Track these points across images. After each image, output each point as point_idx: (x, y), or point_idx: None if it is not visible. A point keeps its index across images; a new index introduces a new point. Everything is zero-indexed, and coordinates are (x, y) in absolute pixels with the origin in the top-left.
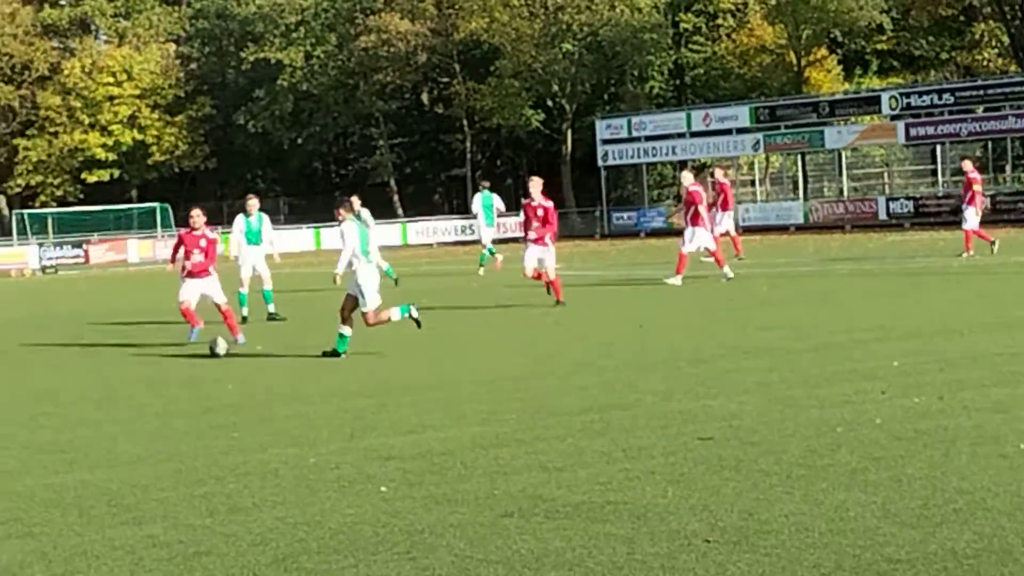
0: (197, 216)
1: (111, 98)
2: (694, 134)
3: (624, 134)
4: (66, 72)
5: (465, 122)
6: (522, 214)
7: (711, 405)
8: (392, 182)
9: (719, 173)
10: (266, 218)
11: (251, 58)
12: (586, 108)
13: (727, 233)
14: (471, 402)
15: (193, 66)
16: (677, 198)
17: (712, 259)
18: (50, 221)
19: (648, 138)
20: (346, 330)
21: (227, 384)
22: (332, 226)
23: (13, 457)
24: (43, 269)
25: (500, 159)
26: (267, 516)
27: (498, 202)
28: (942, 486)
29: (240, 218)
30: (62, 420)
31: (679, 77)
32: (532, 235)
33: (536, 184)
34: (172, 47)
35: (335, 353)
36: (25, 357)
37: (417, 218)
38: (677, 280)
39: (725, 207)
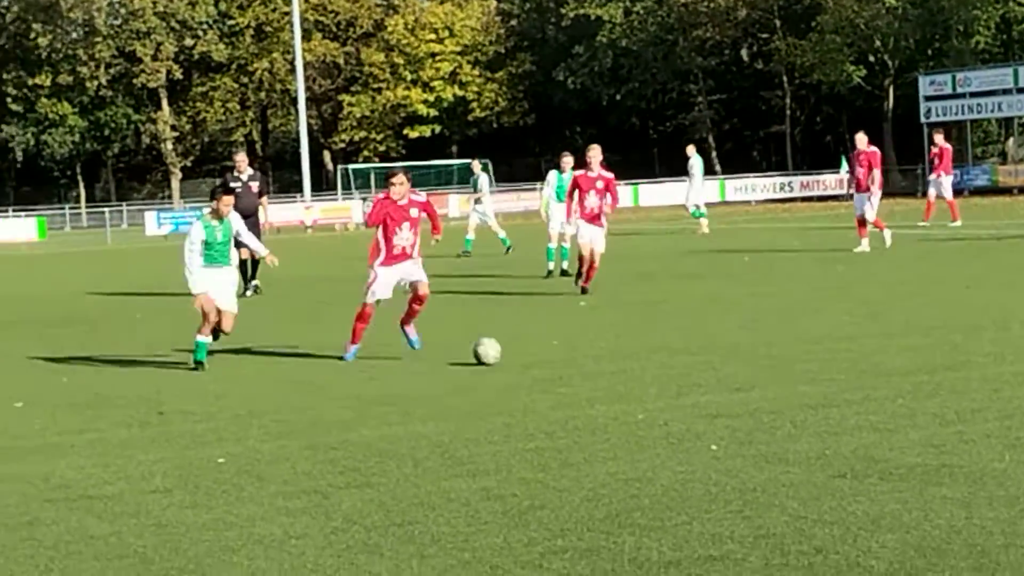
0: (594, 152)
1: (433, 55)
2: (1021, 90)
3: (948, 90)
4: (389, 29)
5: (784, 78)
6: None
7: (1004, 370)
8: (710, 139)
9: (939, 138)
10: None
11: (571, 14)
12: (909, 64)
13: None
14: (799, 361)
15: (513, 22)
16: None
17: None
18: (372, 176)
19: (973, 94)
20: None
21: (552, 340)
22: (653, 182)
23: (349, 408)
24: (366, 224)
25: (819, 116)
26: (598, 471)
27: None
28: None
29: (553, 173)
30: (393, 372)
31: (1006, 32)
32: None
33: (596, 153)
34: (493, 3)
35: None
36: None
37: (735, 175)
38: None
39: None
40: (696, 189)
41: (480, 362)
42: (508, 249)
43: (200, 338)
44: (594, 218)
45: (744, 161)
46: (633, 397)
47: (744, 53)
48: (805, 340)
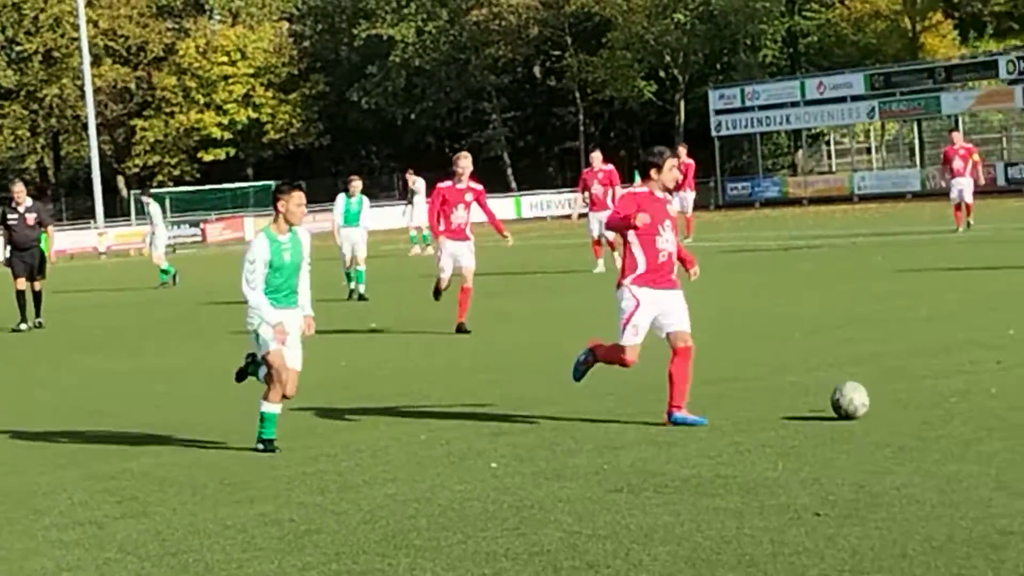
0: (466, 161)
1: (225, 77)
2: (808, 102)
3: (737, 104)
4: (181, 53)
5: (577, 95)
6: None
7: (823, 377)
8: (505, 156)
9: (682, 151)
10: (366, 201)
11: (363, 35)
12: (699, 78)
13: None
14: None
15: (306, 44)
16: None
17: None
18: (168, 201)
19: (762, 107)
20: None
21: (340, 362)
22: None
23: (131, 436)
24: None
25: (613, 131)
26: (377, 493)
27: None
28: None
29: (341, 197)
30: (174, 399)
31: (792, 45)
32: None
33: (467, 163)
34: (285, 25)
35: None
36: (136, 338)
37: (530, 191)
38: None
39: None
40: (419, 210)
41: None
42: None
43: (271, 408)
44: (460, 233)
45: (539, 177)
46: (416, 418)
47: (537, 70)
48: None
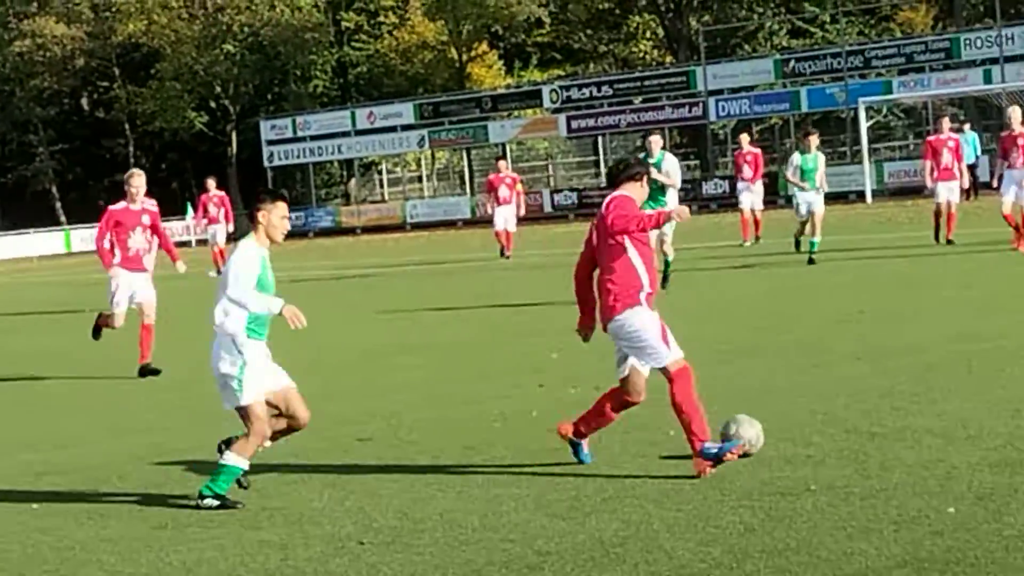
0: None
1: None
2: (359, 132)
3: (289, 134)
4: None
5: (127, 126)
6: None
7: (371, 405)
8: (54, 189)
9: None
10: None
11: None
12: (251, 109)
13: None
14: (142, 412)
15: None
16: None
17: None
18: None
19: (313, 137)
20: None
21: None
22: None
23: None
24: None
25: (165, 162)
26: None
27: None
28: (593, 476)
29: None
30: None
31: (343, 75)
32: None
33: (141, 181)
34: None
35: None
36: None
37: (81, 225)
38: None
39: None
40: None
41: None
42: None
43: (239, 462)
44: (137, 262)
45: (89, 210)
46: None
47: (85, 102)
48: (136, 390)
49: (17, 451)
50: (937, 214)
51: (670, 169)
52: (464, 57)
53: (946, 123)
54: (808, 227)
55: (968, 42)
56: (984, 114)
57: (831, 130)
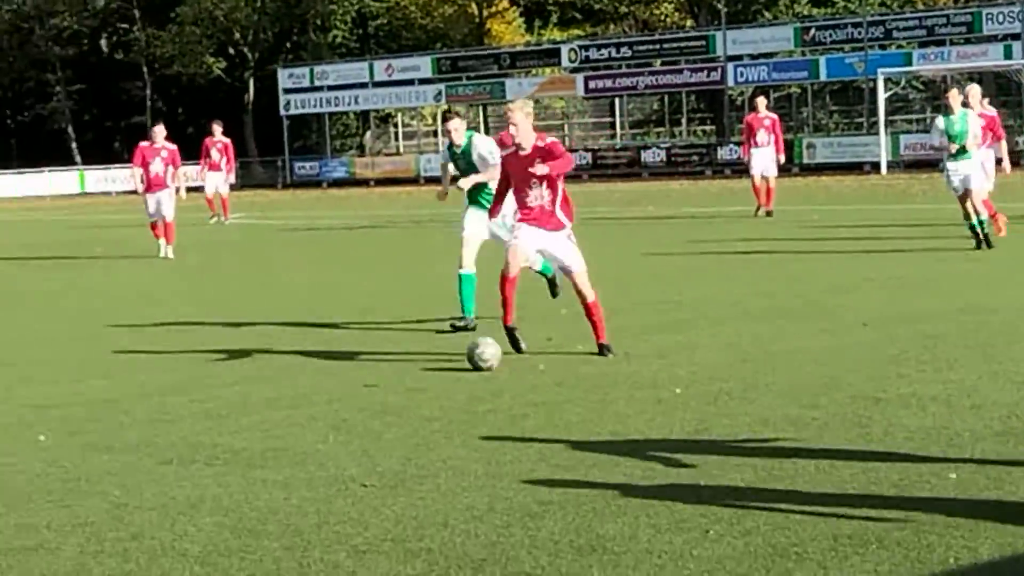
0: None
1: None
2: (377, 84)
3: (307, 83)
4: None
5: (145, 69)
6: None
7: (378, 353)
8: (70, 129)
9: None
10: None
11: None
12: (269, 57)
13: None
14: (141, 346)
15: None
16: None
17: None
18: None
19: (331, 87)
20: None
21: None
22: (11, 173)
23: None
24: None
25: (181, 107)
26: None
27: None
28: (598, 430)
29: None
30: None
31: (362, 26)
32: None
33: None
34: None
35: None
36: None
37: (96, 166)
38: None
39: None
40: None
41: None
42: None
43: None
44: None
45: (105, 152)
46: None
47: (104, 43)
48: (144, 328)
49: (24, 385)
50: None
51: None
52: (484, 13)
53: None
54: (968, 204)
55: (990, 16)
56: (1003, 90)
57: (849, 100)
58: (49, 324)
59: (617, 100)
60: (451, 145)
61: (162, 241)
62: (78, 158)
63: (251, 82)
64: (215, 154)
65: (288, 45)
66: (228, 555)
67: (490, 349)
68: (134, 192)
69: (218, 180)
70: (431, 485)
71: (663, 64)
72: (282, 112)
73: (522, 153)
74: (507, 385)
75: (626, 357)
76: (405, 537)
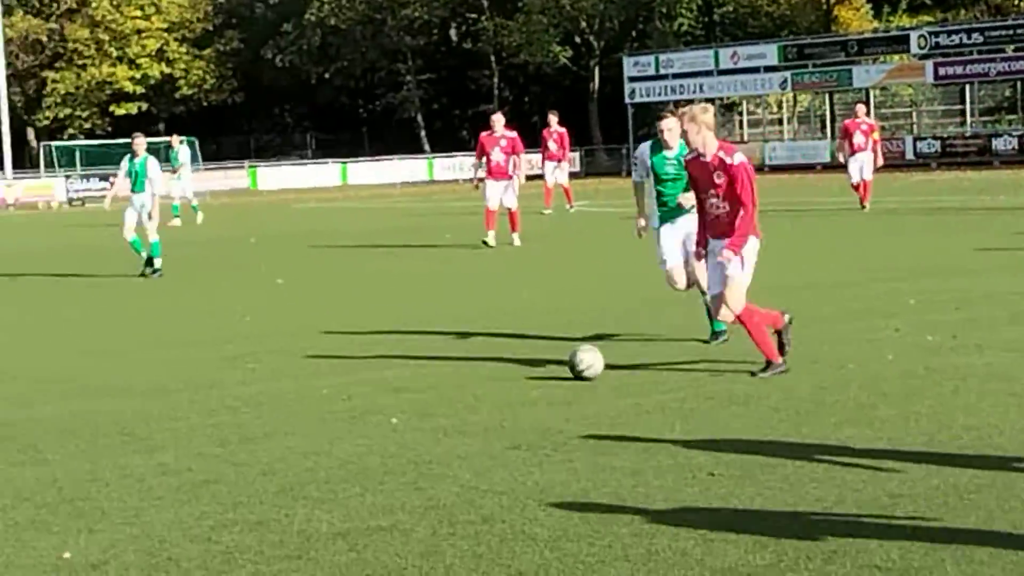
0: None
1: (139, 31)
2: (722, 72)
3: (652, 72)
4: (94, 5)
5: (492, 58)
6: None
7: (718, 342)
8: (419, 118)
9: (553, 119)
10: (153, 162)
11: None
12: (614, 45)
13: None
14: (492, 330)
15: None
16: None
17: None
18: (77, 154)
19: (675, 75)
20: None
21: (245, 316)
22: (361, 161)
23: (27, 387)
24: (70, 202)
25: (527, 96)
26: (277, 446)
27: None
28: (949, 423)
29: (125, 160)
30: (77, 351)
31: (708, 14)
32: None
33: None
34: None
35: None
36: (43, 288)
37: (443, 154)
38: None
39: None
40: (186, 182)
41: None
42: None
43: None
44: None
45: (452, 140)
46: (319, 372)
47: (453, 33)
48: (493, 314)
49: (381, 368)
50: None
51: None
52: (832, 0)
53: None
54: None
55: None
56: None
57: None
58: (405, 307)
59: (968, 87)
60: (659, 150)
61: (492, 233)
62: (427, 146)
63: (596, 71)
64: (552, 145)
65: (633, 33)
66: (577, 540)
67: (588, 356)
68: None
69: (556, 169)
70: (779, 475)
71: (1016, 50)
72: (627, 100)
73: (703, 160)
74: (854, 375)
75: (978, 349)
76: (753, 527)
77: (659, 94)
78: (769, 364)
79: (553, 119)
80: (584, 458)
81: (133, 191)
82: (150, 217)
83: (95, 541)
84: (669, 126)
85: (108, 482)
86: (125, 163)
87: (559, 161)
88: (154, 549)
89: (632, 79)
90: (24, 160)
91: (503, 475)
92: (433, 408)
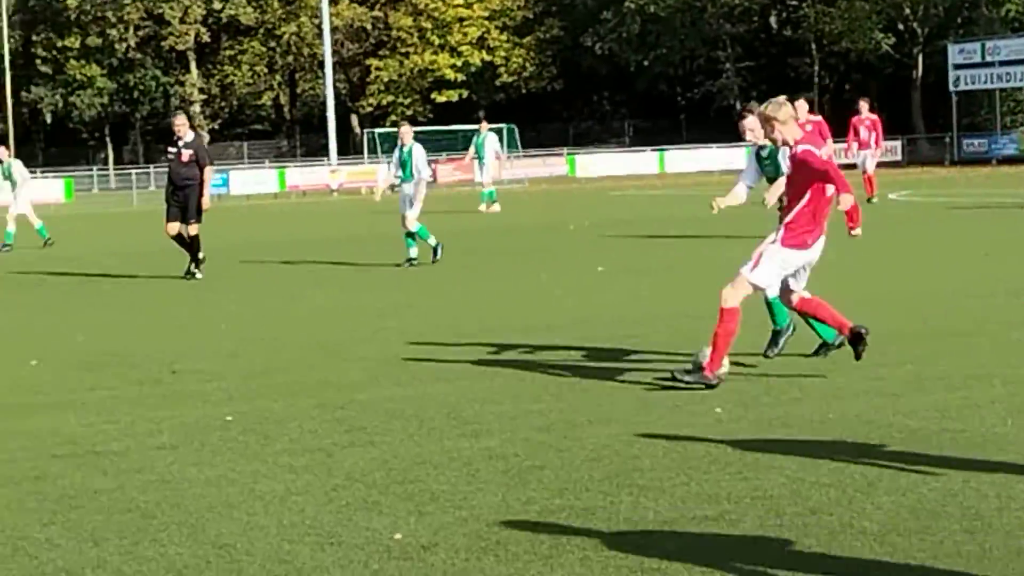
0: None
1: (461, 19)
2: None
3: (977, 59)
4: None
5: (813, 46)
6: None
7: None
8: (738, 106)
9: (864, 106)
10: (419, 151)
11: None
12: (938, 32)
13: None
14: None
15: None
16: None
17: None
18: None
19: (1002, 63)
20: None
21: (567, 300)
22: (680, 148)
23: (360, 369)
24: (391, 187)
25: (848, 83)
26: (601, 433)
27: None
28: None
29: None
30: (403, 335)
31: None
32: None
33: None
34: None
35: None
36: (366, 275)
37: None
38: None
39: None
40: (488, 168)
41: None
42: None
43: None
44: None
45: None
46: (640, 362)
47: (773, 20)
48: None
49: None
50: None
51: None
52: None
53: None
54: None
55: None
56: None
57: None
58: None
59: None
60: (759, 149)
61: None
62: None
63: (919, 58)
64: (863, 132)
65: (959, 20)
66: (907, 535)
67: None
68: None
69: (866, 157)
70: None
71: None
72: (951, 88)
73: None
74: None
75: None
76: None
77: (984, 82)
78: (700, 370)
79: (864, 106)
80: (911, 451)
81: (403, 181)
82: (411, 205)
83: (425, 523)
84: (751, 125)
85: (436, 465)
86: (396, 153)
87: (873, 148)
88: (483, 532)
89: (957, 66)
90: (348, 147)
91: (829, 467)
92: (756, 399)
